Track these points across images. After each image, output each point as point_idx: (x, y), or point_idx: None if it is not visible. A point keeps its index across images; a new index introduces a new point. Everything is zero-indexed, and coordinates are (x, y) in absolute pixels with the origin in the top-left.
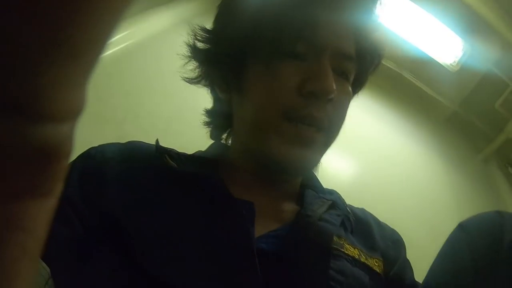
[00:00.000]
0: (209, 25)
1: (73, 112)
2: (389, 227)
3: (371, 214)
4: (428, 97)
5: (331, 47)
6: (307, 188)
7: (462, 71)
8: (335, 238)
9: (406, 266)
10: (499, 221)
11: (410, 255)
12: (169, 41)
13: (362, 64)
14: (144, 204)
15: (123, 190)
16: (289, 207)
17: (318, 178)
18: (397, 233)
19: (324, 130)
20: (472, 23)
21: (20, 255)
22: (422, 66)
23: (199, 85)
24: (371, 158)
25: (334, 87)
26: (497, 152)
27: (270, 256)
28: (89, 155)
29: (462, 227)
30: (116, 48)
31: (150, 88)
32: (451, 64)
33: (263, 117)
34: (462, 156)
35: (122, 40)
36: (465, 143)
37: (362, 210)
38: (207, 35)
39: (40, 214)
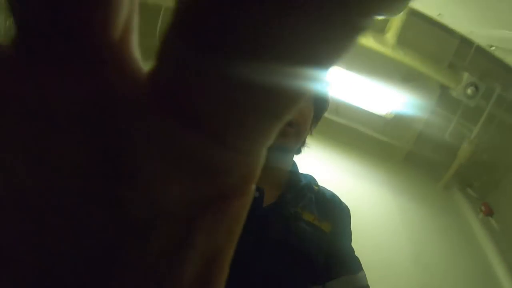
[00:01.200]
0: None
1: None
2: (345, 206)
3: (338, 199)
4: (385, 143)
5: None
6: (291, 173)
7: (405, 118)
8: (298, 209)
9: (346, 232)
10: None
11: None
12: None
13: (317, 105)
14: None
15: None
16: (277, 191)
17: (297, 164)
18: (347, 209)
19: (293, 127)
20: (404, 74)
21: (234, 239)
22: (372, 120)
23: None
24: None
25: None
26: (455, 177)
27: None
28: None
29: None
30: None
31: None
32: (386, 115)
33: None
34: (425, 187)
35: None
36: (425, 176)
37: (332, 193)
38: None
39: (243, 208)
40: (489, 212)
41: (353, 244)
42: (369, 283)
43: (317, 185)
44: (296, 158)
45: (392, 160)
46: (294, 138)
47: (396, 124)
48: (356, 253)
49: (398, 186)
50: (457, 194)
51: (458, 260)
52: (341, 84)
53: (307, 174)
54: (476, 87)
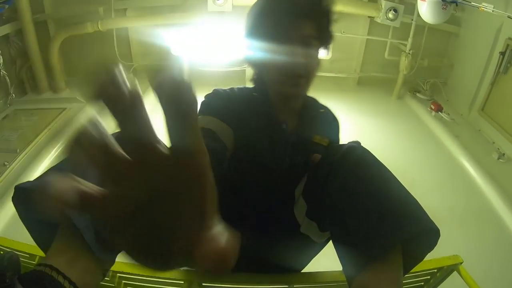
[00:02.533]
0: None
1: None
2: (337, 121)
3: (332, 116)
4: (336, 78)
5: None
6: (306, 105)
7: (345, 53)
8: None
9: (337, 139)
10: None
11: None
12: None
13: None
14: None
15: (227, 114)
16: (295, 119)
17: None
18: (338, 122)
19: (303, 77)
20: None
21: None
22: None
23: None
24: None
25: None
26: (405, 87)
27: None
28: (217, 93)
29: None
30: None
31: None
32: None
33: (274, 77)
34: (382, 102)
35: None
36: (379, 93)
37: (331, 115)
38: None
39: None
40: (439, 108)
41: None
42: None
43: (322, 107)
44: None
45: (347, 89)
46: (306, 86)
47: (338, 60)
48: None
49: (358, 108)
50: (410, 101)
51: (421, 153)
52: None
53: (311, 98)
54: (395, 10)
